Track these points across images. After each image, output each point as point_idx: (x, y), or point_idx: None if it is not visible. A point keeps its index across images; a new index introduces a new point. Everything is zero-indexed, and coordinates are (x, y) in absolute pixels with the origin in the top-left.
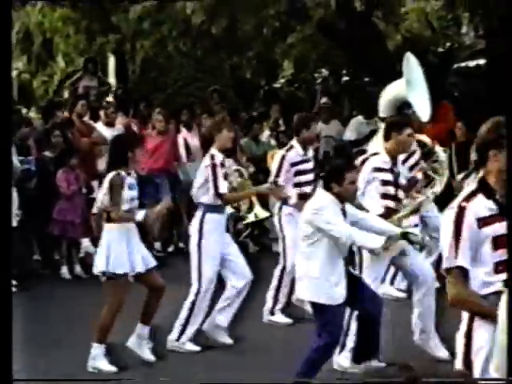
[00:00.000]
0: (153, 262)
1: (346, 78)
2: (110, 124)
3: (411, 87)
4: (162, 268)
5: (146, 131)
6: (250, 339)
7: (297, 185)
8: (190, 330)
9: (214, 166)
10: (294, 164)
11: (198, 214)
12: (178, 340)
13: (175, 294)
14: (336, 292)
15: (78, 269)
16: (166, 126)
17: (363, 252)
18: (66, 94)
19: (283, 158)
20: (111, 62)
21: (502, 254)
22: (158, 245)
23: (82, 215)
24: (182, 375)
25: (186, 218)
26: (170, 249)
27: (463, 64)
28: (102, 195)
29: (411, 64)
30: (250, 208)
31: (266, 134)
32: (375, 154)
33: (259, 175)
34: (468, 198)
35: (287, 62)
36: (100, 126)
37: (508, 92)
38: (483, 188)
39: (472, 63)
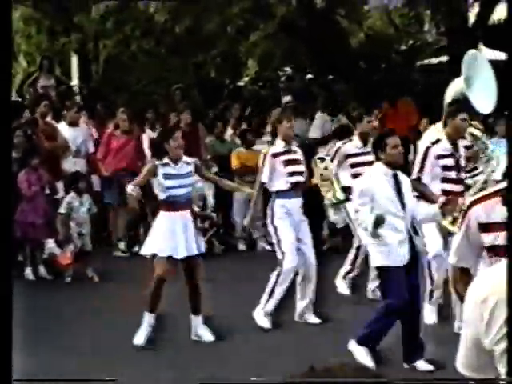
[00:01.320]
0: (183, 253)
1: (309, 76)
2: (73, 124)
3: (471, 83)
4: (127, 268)
5: (109, 131)
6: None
7: (355, 176)
8: (272, 303)
9: (264, 155)
10: (349, 156)
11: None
12: (262, 309)
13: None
14: (395, 254)
15: (42, 270)
16: (130, 126)
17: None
18: (26, 95)
19: (338, 149)
20: (74, 61)
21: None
22: (122, 245)
23: (45, 216)
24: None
25: (151, 217)
26: (136, 249)
27: (426, 61)
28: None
29: (478, 62)
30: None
31: (229, 133)
32: (437, 141)
33: (222, 174)
34: None
35: (251, 61)
36: (63, 126)
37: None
38: None
39: (434, 60)
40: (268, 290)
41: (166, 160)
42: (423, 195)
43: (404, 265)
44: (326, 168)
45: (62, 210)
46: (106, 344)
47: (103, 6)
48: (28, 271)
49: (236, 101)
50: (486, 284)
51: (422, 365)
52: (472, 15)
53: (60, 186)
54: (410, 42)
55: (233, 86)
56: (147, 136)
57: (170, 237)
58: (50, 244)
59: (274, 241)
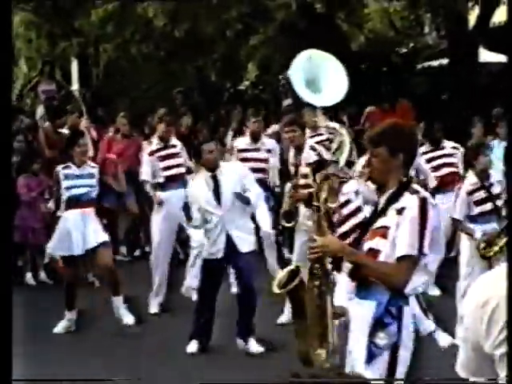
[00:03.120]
0: (92, 243)
1: None
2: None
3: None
4: (128, 273)
5: (109, 135)
6: None
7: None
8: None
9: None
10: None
11: None
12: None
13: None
14: (213, 249)
15: (42, 275)
16: (131, 130)
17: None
18: (27, 100)
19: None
20: (74, 66)
21: None
22: (123, 249)
23: (44, 221)
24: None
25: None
26: (137, 253)
27: (426, 64)
28: None
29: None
30: None
31: (230, 136)
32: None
33: None
34: None
35: (251, 64)
36: (63, 131)
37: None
38: None
39: (435, 63)
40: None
41: (68, 163)
42: None
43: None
44: None
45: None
46: (108, 347)
47: (102, 10)
48: (28, 276)
49: (237, 104)
50: (486, 287)
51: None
52: (472, 18)
53: None
54: (411, 44)
55: (233, 89)
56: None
57: (66, 236)
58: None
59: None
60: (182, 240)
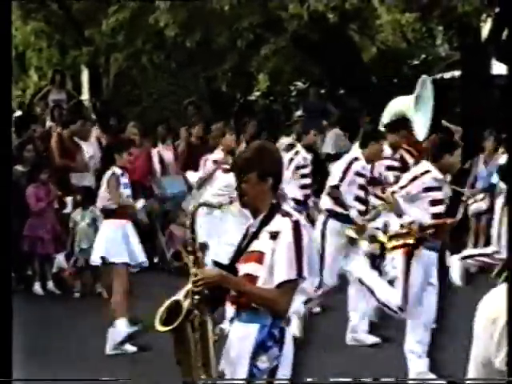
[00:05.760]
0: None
1: (321, 91)
2: (83, 138)
3: (417, 107)
4: (137, 283)
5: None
6: None
7: None
8: None
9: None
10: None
11: None
12: None
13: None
14: None
15: (50, 285)
16: (141, 140)
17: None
18: (37, 109)
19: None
20: (85, 75)
21: None
22: None
23: (53, 231)
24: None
25: (160, 232)
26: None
27: (438, 76)
28: (101, 193)
29: (427, 87)
30: None
31: (242, 148)
32: (356, 158)
33: None
34: None
35: (262, 75)
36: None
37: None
38: None
39: (447, 75)
40: None
41: (121, 170)
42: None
43: None
44: None
45: (70, 223)
46: (115, 359)
47: (114, 19)
48: (37, 286)
49: (250, 117)
50: (497, 303)
51: None
52: (485, 30)
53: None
54: (423, 56)
55: (244, 100)
56: (157, 150)
57: (126, 243)
58: (60, 258)
59: None
60: None
